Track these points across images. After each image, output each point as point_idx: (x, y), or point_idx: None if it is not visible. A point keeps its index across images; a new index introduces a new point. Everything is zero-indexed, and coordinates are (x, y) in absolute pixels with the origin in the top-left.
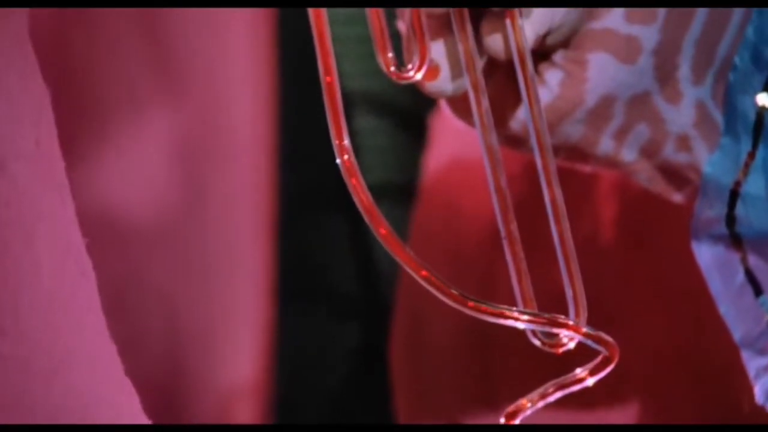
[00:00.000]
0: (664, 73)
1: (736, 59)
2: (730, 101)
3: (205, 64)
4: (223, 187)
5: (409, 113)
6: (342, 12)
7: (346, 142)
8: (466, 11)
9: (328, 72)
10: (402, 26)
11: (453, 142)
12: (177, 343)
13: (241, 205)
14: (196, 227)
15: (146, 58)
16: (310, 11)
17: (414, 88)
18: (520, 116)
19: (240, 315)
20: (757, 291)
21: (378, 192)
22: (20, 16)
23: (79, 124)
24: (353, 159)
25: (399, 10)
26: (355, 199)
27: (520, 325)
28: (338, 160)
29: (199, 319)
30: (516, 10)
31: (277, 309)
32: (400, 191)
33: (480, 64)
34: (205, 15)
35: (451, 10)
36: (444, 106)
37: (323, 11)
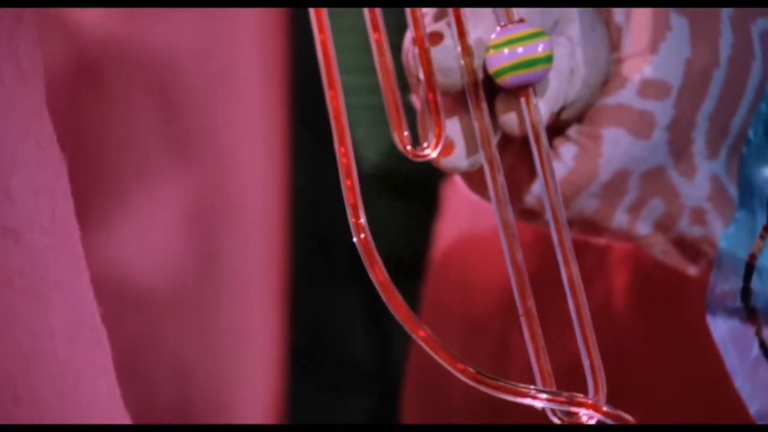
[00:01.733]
0: (679, 148)
1: (750, 133)
2: (744, 175)
3: (217, 131)
4: (236, 253)
5: (421, 184)
6: (355, 81)
7: (363, 220)
8: (481, 89)
9: (342, 143)
10: (416, 101)
11: (465, 213)
12: (189, 411)
13: (254, 273)
14: (209, 294)
15: (158, 125)
16: (324, 83)
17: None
18: (535, 190)
19: (251, 383)
20: None
21: (390, 262)
22: (38, 86)
23: (92, 189)
24: (369, 237)
25: (413, 85)
26: (371, 276)
27: (539, 404)
28: (354, 239)
29: (211, 386)
30: (530, 89)
31: (288, 378)
32: (412, 262)
33: (495, 140)
34: (217, 80)
35: (465, 87)
36: (458, 180)
37: (337, 82)
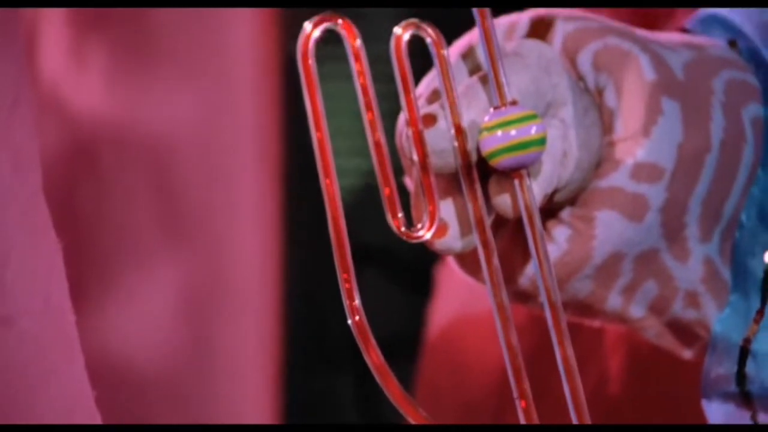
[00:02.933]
0: (672, 231)
1: (743, 217)
2: (737, 259)
3: (213, 214)
4: (231, 337)
5: (416, 265)
6: (349, 164)
7: (357, 302)
8: (474, 171)
9: (336, 224)
10: (409, 183)
11: (459, 294)
12: None
13: (248, 356)
14: (203, 377)
15: (154, 208)
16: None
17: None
18: (529, 272)
19: None
20: None
21: (385, 343)
22: (34, 173)
23: (88, 273)
24: (364, 319)
25: (407, 167)
26: (367, 359)
27: None
28: (349, 321)
29: None
30: (523, 171)
31: None
32: (406, 343)
33: (489, 222)
34: (213, 164)
35: (459, 169)
36: (451, 261)
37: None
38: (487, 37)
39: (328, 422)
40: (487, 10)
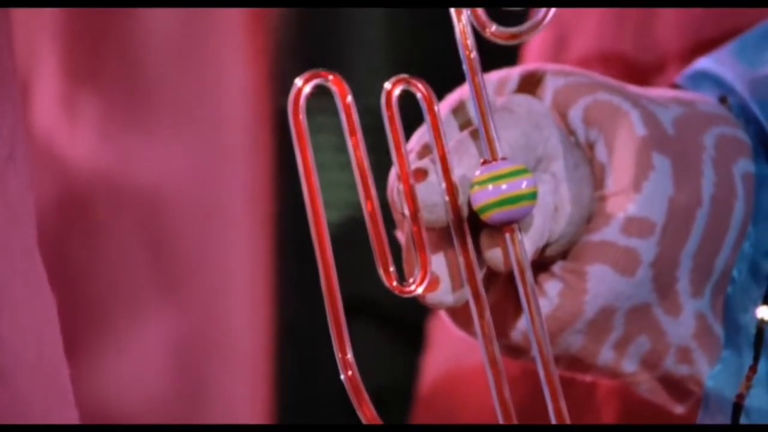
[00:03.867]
0: (663, 286)
1: (735, 273)
2: (729, 314)
3: (205, 266)
4: (222, 389)
5: (407, 318)
6: (342, 218)
7: (350, 356)
8: (465, 225)
9: (328, 279)
10: (401, 237)
11: (451, 348)
12: None
13: (240, 409)
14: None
15: (148, 260)
16: (311, 220)
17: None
18: (521, 326)
19: None
20: None
21: (377, 397)
22: (28, 226)
23: (81, 325)
24: (357, 374)
25: (398, 221)
26: (359, 414)
27: None
28: (342, 375)
29: None
30: (515, 225)
31: None
32: (398, 397)
33: (480, 276)
34: (206, 215)
35: (450, 223)
36: (443, 314)
37: (323, 220)
38: (478, 92)
39: None
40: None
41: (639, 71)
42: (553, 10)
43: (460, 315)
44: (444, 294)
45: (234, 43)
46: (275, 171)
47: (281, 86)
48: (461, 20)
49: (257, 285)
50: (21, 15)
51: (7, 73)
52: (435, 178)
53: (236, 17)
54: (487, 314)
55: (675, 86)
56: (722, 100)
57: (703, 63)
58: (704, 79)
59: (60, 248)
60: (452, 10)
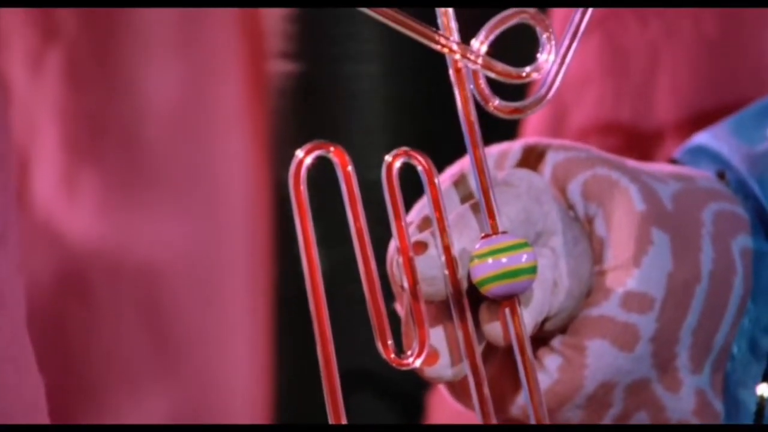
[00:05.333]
0: (662, 361)
1: (734, 349)
2: (729, 391)
3: (202, 344)
4: None
5: (405, 390)
6: (341, 289)
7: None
8: (465, 298)
9: (325, 350)
10: (400, 309)
11: (449, 420)
12: None
13: None
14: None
15: (145, 334)
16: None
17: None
18: (520, 401)
19: None
20: None
21: None
22: (18, 311)
23: (78, 400)
24: None
25: (397, 293)
26: None
27: None
28: None
29: None
30: (515, 299)
31: None
32: None
33: (479, 350)
34: (204, 295)
35: (449, 296)
36: (442, 387)
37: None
38: (479, 166)
39: None
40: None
41: (637, 144)
42: (556, 85)
43: (458, 388)
44: (443, 368)
45: (232, 117)
46: (274, 244)
47: (280, 158)
48: (464, 94)
49: (255, 360)
50: (21, 90)
51: (1, 155)
52: (434, 251)
53: (235, 89)
54: (486, 388)
55: (673, 161)
56: (720, 175)
57: (701, 138)
58: (702, 154)
59: (57, 323)
60: (455, 86)
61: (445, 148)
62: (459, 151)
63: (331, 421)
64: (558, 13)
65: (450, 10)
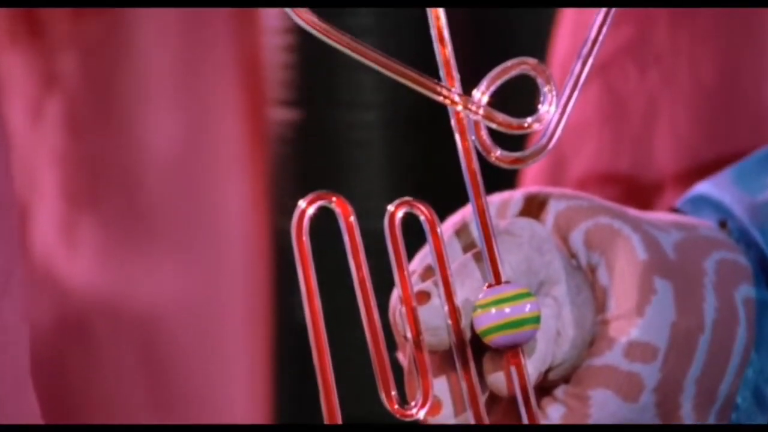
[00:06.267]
0: (666, 412)
1: (738, 399)
2: None
3: (202, 391)
4: None
5: None
6: (344, 338)
7: None
8: (468, 348)
9: (328, 400)
10: (403, 359)
11: None
12: None
13: None
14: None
15: (144, 385)
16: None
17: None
18: None
19: None
20: None
21: None
22: (23, 358)
23: None
24: None
25: (400, 343)
26: None
27: None
28: None
29: None
30: (518, 350)
31: None
32: None
33: (483, 400)
34: (204, 343)
35: (453, 346)
36: None
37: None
38: (481, 215)
39: None
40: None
41: (638, 193)
42: (557, 135)
43: None
44: (446, 418)
45: (232, 164)
46: (273, 291)
47: (279, 206)
48: (465, 144)
49: (256, 408)
50: (21, 137)
51: (5, 203)
52: (438, 300)
53: (235, 137)
54: None
55: (675, 210)
56: (722, 224)
57: (702, 187)
58: (704, 203)
59: (58, 369)
60: (457, 136)
61: (446, 196)
62: (461, 200)
63: None
64: (557, 59)
65: (452, 62)
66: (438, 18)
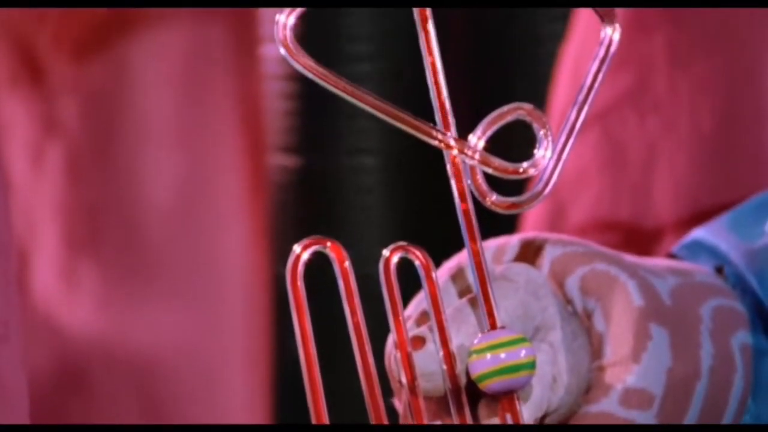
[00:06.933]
0: None
1: None
2: None
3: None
4: None
5: None
6: (339, 384)
7: None
8: (463, 394)
9: None
10: (398, 405)
11: None
12: None
13: None
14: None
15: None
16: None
17: None
18: None
19: None
20: None
21: None
22: (22, 407)
23: None
24: None
25: (395, 389)
26: None
27: None
28: None
29: None
30: (514, 395)
31: None
32: None
33: None
34: (203, 388)
35: (448, 392)
36: None
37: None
38: (477, 260)
39: None
40: (477, 236)
41: (637, 240)
42: (553, 181)
43: None
44: None
45: (232, 210)
46: (272, 337)
47: (279, 252)
48: (461, 188)
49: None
50: (21, 183)
51: (3, 249)
52: (433, 346)
53: (235, 183)
54: None
55: (671, 256)
56: (719, 270)
57: (699, 233)
58: (700, 249)
59: (56, 415)
60: (452, 180)
61: (442, 241)
62: (456, 245)
63: None
64: (557, 106)
65: (447, 105)
66: (425, 20)
